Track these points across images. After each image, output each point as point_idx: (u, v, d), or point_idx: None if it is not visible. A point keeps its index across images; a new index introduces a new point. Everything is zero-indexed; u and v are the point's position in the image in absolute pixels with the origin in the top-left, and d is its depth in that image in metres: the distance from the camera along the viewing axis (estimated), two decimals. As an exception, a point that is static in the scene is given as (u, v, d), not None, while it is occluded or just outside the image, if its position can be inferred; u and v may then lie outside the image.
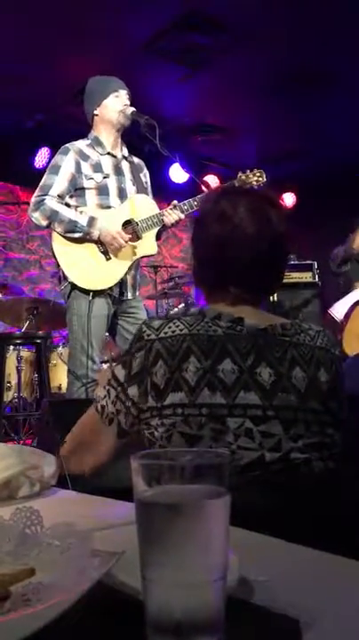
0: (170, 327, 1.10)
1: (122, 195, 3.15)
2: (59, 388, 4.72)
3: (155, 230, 3.20)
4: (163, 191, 7.23)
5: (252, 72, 5.13)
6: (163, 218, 3.16)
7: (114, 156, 3.20)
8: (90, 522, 0.85)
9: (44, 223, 2.99)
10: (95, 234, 3.01)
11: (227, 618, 0.47)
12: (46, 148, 5.89)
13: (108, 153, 3.18)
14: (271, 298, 5.65)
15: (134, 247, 3.11)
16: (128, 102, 3.20)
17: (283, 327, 1.12)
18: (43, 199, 2.98)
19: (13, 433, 4.37)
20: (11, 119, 5.58)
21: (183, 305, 5.23)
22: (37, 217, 2.98)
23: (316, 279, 5.69)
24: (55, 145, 5.72)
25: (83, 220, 2.99)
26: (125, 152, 3.26)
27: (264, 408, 1.05)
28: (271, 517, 0.86)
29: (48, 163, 5.81)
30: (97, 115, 3.21)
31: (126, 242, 3.04)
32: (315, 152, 6.64)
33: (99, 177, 3.10)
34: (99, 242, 3.03)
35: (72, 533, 0.62)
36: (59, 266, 3.06)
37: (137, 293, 3.28)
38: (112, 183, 3.13)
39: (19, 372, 4.47)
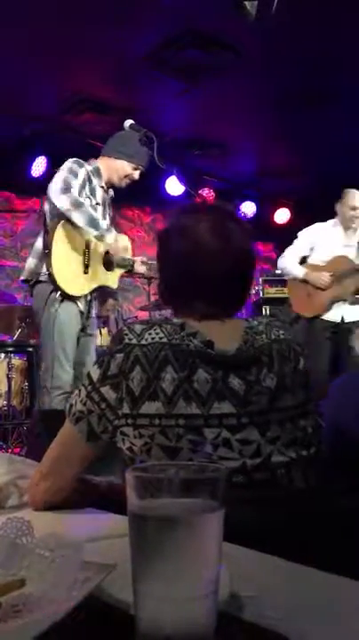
0: (150, 333, 1.10)
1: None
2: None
3: (122, 270, 3.49)
4: (159, 203, 7.27)
5: (250, 89, 5.18)
6: (134, 265, 3.48)
7: (105, 191, 3.40)
8: (81, 533, 0.84)
9: (68, 207, 3.05)
10: (109, 238, 3.22)
11: (218, 633, 0.47)
12: (43, 157, 5.90)
13: (102, 187, 3.36)
14: (264, 312, 5.68)
15: (105, 275, 3.34)
16: (135, 179, 3.42)
17: (245, 342, 1.12)
18: (71, 189, 3.07)
19: (2, 441, 4.34)
20: (8, 128, 5.58)
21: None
22: (64, 199, 3.04)
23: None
24: (52, 154, 5.80)
25: (103, 223, 3.19)
26: (112, 192, 3.47)
27: (238, 416, 1.05)
28: (258, 533, 0.86)
29: (45, 172, 5.90)
30: (111, 158, 3.37)
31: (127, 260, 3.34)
32: (312, 169, 6.68)
33: (93, 201, 3.28)
34: (87, 252, 3.19)
35: (63, 545, 0.61)
36: (48, 267, 3.11)
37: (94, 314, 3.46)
38: (99, 213, 3.31)
39: (9, 380, 4.45)
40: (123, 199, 7.15)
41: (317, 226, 4.60)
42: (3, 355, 4.55)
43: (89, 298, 3.30)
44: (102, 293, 3.69)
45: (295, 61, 4.76)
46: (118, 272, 3.43)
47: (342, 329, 4.23)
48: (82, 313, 3.24)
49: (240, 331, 1.15)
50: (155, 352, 1.07)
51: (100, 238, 3.21)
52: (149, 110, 5.10)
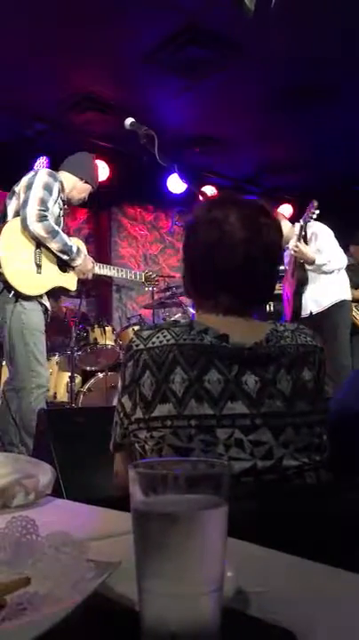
0: (158, 337, 1.09)
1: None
2: (55, 396, 4.70)
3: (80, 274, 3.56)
4: (161, 201, 7.27)
5: (251, 85, 5.17)
6: (89, 275, 3.58)
7: (65, 204, 3.55)
8: (86, 531, 0.84)
9: (44, 235, 3.20)
10: (78, 262, 3.39)
11: (223, 629, 0.47)
12: (44, 157, 5.90)
13: (63, 200, 3.50)
14: (268, 308, 5.67)
15: (61, 276, 3.41)
16: (84, 201, 3.67)
17: (267, 340, 1.11)
18: (46, 215, 3.22)
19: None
20: (9, 128, 5.59)
21: (179, 314, 5.25)
22: (39, 228, 3.18)
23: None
24: (53, 154, 5.79)
25: (74, 248, 3.36)
26: (66, 206, 3.60)
27: (252, 417, 1.04)
28: (265, 528, 0.86)
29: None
30: (78, 180, 3.55)
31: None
32: (313, 165, 6.67)
33: (61, 213, 3.45)
34: (39, 252, 3.27)
35: (68, 543, 0.61)
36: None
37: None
38: (61, 222, 3.46)
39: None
40: (125, 197, 7.20)
41: None
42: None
43: (47, 302, 3.38)
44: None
45: (295, 57, 4.75)
46: (73, 274, 3.51)
47: None
48: (47, 310, 3.33)
49: (265, 330, 1.13)
50: (163, 355, 1.07)
51: (70, 262, 3.36)
52: (150, 108, 5.10)
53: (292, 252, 4.23)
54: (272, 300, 5.80)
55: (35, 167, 5.98)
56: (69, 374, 4.61)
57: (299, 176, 6.96)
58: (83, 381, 4.91)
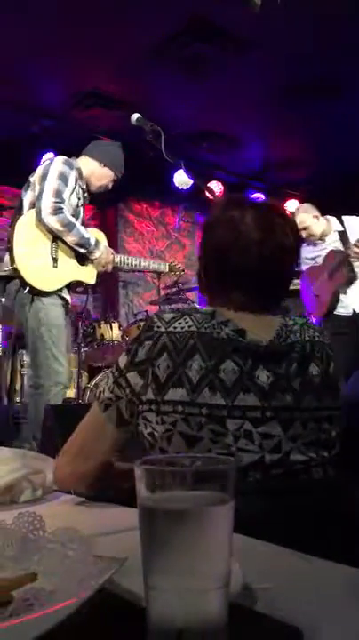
0: (180, 323, 1.10)
1: (83, 226, 3.35)
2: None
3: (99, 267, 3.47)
4: (168, 197, 7.26)
5: (258, 81, 5.14)
6: (110, 267, 3.47)
7: (85, 192, 3.42)
8: (92, 527, 0.85)
9: (60, 229, 3.09)
10: (96, 254, 3.28)
11: (230, 625, 0.46)
12: (52, 154, 5.89)
13: (83, 188, 3.39)
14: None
15: (79, 269, 3.31)
16: (107, 189, 3.52)
17: (278, 336, 1.12)
18: (62, 207, 3.09)
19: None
20: (17, 124, 5.60)
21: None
22: (54, 222, 3.07)
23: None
24: (60, 150, 5.78)
25: (92, 240, 3.24)
26: (87, 195, 3.48)
27: (263, 409, 1.05)
28: (272, 524, 0.85)
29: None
30: (98, 164, 3.41)
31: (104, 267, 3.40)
32: (320, 160, 6.64)
33: (79, 202, 3.33)
34: (55, 246, 3.17)
35: (74, 539, 0.61)
36: (12, 262, 3.13)
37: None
38: (80, 212, 3.35)
39: (22, 377, 4.48)
40: (132, 193, 7.19)
41: None
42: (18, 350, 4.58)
43: (68, 297, 3.30)
44: None
45: (302, 53, 4.72)
46: (92, 267, 3.41)
47: None
48: (67, 304, 3.24)
49: (275, 326, 1.14)
50: (184, 341, 1.07)
51: (89, 255, 3.25)
52: (156, 104, 5.08)
53: (353, 252, 4.12)
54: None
55: (41, 163, 5.98)
56: (76, 370, 4.62)
57: (305, 172, 6.94)
58: (90, 377, 4.92)
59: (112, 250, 3.48)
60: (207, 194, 3.92)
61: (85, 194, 3.41)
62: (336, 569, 0.68)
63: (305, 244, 4.46)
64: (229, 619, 0.46)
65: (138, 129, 3.25)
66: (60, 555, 0.60)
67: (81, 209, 3.34)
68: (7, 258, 3.18)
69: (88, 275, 3.37)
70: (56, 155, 5.99)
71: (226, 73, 4.96)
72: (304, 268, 4.49)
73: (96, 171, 3.40)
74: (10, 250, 3.11)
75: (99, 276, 3.47)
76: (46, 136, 5.73)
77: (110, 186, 3.49)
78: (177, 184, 6.54)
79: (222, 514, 0.47)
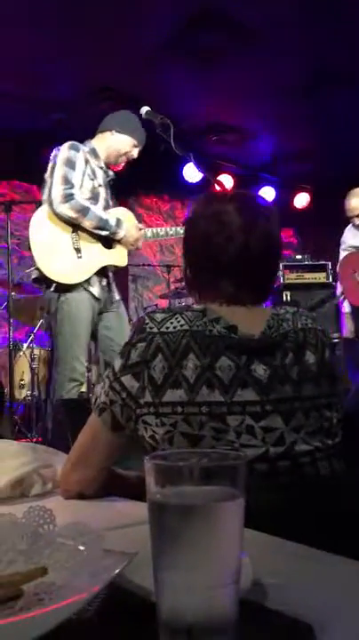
0: (172, 322, 1.10)
1: (106, 207, 3.23)
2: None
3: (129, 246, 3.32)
4: (177, 190, 7.24)
5: (269, 72, 5.11)
6: (139, 243, 3.32)
7: (105, 172, 3.28)
8: (102, 521, 0.85)
9: (74, 216, 2.99)
10: (120, 234, 3.13)
11: (240, 621, 0.46)
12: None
13: (101, 167, 3.25)
14: (284, 297, 5.64)
15: (106, 254, 3.19)
16: (133, 157, 3.33)
17: (269, 326, 1.12)
18: (72, 193, 2.98)
19: (26, 431, 4.39)
20: (28, 118, 5.60)
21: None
22: (66, 209, 2.97)
23: (331, 280, 5.64)
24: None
25: (112, 220, 3.10)
26: (112, 174, 3.34)
27: (262, 404, 1.05)
28: (281, 518, 0.85)
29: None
30: (110, 134, 3.26)
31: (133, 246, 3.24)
32: (330, 152, 6.59)
33: (95, 183, 3.18)
34: (76, 236, 3.06)
35: (84, 533, 0.61)
36: (34, 261, 3.05)
37: (118, 297, 3.36)
38: (102, 194, 3.21)
39: (32, 370, 4.50)
40: (141, 187, 7.18)
41: None
42: (25, 345, 4.60)
43: (104, 282, 3.19)
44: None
45: (312, 44, 4.68)
46: (122, 248, 3.26)
47: None
48: (97, 299, 3.13)
49: (266, 317, 1.14)
50: (176, 340, 1.07)
51: (112, 236, 3.12)
52: (166, 96, 5.06)
53: None
54: (287, 290, 5.79)
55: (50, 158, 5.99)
56: (86, 364, 4.64)
57: (316, 164, 6.89)
58: (100, 372, 4.94)
59: (140, 225, 3.33)
60: (217, 187, 3.90)
61: (107, 172, 3.27)
62: (346, 564, 0.68)
63: (352, 231, 4.43)
64: (239, 614, 0.46)
65: (147, 122, 3.24)
66: (71, 549, 0.60)
67: (100, 189, 3.19)
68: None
69: (118, 257, 3.23)
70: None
71: (236, 65, 4.92)
72: (343, 254, 4.45)
73: (110, 141, 3.25)
74: (29, 250, 3.04)
75: None
76: (58, 131, 5.72)
77: (135, 153, 3.31)
78: (186, 177, 6.52)
79: (232, 510, 0.47)
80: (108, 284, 3.24)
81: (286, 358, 1.09)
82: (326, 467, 1.08)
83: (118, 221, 3.13)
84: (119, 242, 3.20)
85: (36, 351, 4.61)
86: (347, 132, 6.08)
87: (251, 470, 1.03)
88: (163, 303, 5.89)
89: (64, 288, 3.01)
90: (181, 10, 4.23)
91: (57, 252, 3.01)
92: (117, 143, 3.26)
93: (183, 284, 5.35)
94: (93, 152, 3.23)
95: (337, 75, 5.10)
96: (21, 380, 4.59)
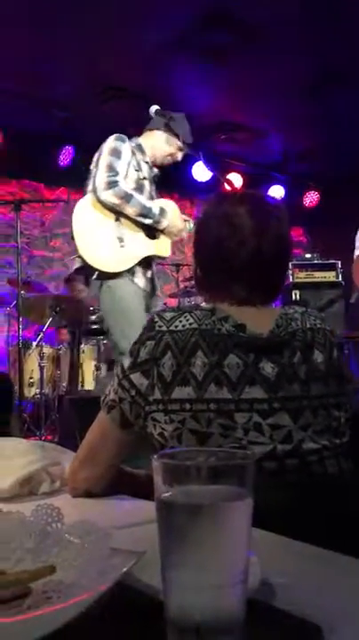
0: (181, 321, 1.11)
1: (150, 200, 3.20)
2: (82, 384, 4.75)
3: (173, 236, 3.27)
4: (187, 189, 7.23)
5: (278, 70, 5.09)
6: (184, 234, 3.26)
7: (150, 167, 3.26)
8: (110, 520, 0.85)
9: (117, 202, 2.96)
10: (164, 223, 3.10)
11: (248, 621, 0.46)
12: (71, 147, 5.92)
13: (146, 162, 3.23)
14: (294, 296, 5.62)
15: (149, 244, 3.15)
16: (177, 160, 3.33)
17: (277, 325, 1.12)
18: (116, 180, 2.96)
19: (35, 429, 4.41)
20: (36, 117, 5.62)
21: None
22: (110, 196, 2.95)
23: (340, 279, 5.62)
24: (79, 144, 5.80)
25: (155, 209, 3.08)
26: (156, 170, 3.32)
27: (270, 401, 1.05)
28: (290, 518, 0.85)
29: (72, 161, 5.89)
30: (158, 133, 3.25)
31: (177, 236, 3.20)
32: (340, 151, 6.57)
33: (140, 175, 3.16)
34: (119, 225, 3.03)
35: (92, 531, 0.61)
36: (77, 250, 3.02)
37: (160, 294, 3.32)
38: (146, 186, 3.19)
39: (41, 368, 4.51)
40: (151, 186, 7.16)
41: None
42: (34, 343, 4.62)
43: (149, 274, 3.17)
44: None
45: (323, 42, 4.66)
46: (165, 239, 3.22)
47: None
48: (144, 291, 3.10)
49: (274, 316, 1.15)
50: (185, 338, 1.08)
51: (155, 225, 3.09)
52: (175, 95, 5.06)
53: None
54: (296, 289, 5.77)
55: (60, 157, 6.00)
56: (95, 363, 4.65)
57: (325, 163, 6.86)
58: (109, 370, 4.95)
59: (184, 216, 3.31)
60: (226, 185, 3.90)
61: (152, 168, 3.25)
62: (354, 564, 0.67)
63: None
64: (247, 614, 0.46)
65: (149, 120, 3.24)
66: (79, 547, 0.60)
67: (145, 182, 3.18)
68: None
69: (161, 248, 3.20)
70: (75, 148, 6.00)
71: (245, 64, 4.91)
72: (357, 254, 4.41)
73: (157, 140, 3.24)
74: (72, 238, 3.00)
75: None
76: (65, 130, 5.74)
77: (179, 156, 3.30)
78: (196, 176, 6.51)
79: (241, 509, 0.47)
80: (152, 277, 3.20)
81: (294, 357, 1.10)
82: (334, 466, 1.08)
83: (162, 210, 3.11)
84: (162, 232, 3.17)
85: (45, 349, 4.63)
86: (356, 130, 6.05)
87: (260, 468, 1.02)
88: (173, 302, 5.89)
89: (107, 276, 2.97)
90: (190, 9, 4.23)
91: (99, 240, 2.99)
92: (164, 143, 3.25)
93: (192, 282, 5.37)
94: (139, 147, 3.21)
95: (345, 74, 5.07)
96: (30, 378, 4.61)
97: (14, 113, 5.45)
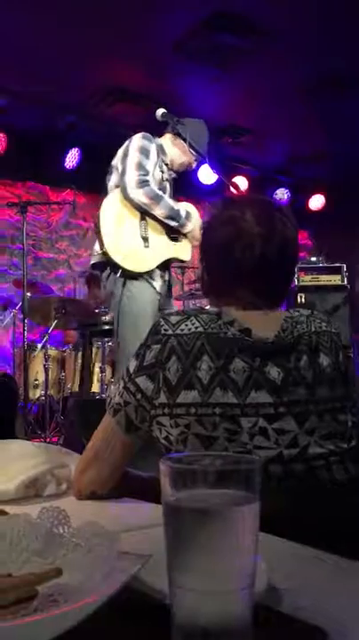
0: (186, 325, 1.11)
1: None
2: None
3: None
4: (192, 192, 7.23)
5: (284, 73, 5.09)
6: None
7: (169, 169, 3.25)
8: (117, 523, 0.85)
9: (147, 202, 2.95)
10: (189, 227, 3.09)
11: (255, 626, 0.46)
12: (77, 149, 5.93)
13: (166, 164, 3.22)
14: (299, 300, 5.61)
15: (172, 246, 3.14)
16: (191, 168, 3.35)
17: (283, 329, 1.12)
18: (147, 180, 2.95)
19: (40, 431, 4.41)
20: (42, 120, 5.63)
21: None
22: (141, 195, 2.92)
23: (346, 282, 5.60)
24: (85, 146, 5.82)
25: (182, 212, 3.07)
26: (173, 174, 3.31)
27: (275, 405, 1.05)
28: (297, 522, 0.85)
29: (78, 163, 5.91)
30: (180, 136, 3.21)
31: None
32: (346, 154, 6.56)
33: (163, 176, 3.16)
34: (144, 225, 3.01)
35: (99, 534, 0.61)
36: (101, 245, 2.98)
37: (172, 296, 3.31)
38: (168, 188, 3.19)
39: (46, 370, 4.52)
40: (156, 189, 7.17)
41: None
42: (39, 345, 4.63)
43: (166, 276, 3.15)
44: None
45: (328, 46, 4.66)
46: (186, 242, 3.21)
47: None
48: (159, 294, 3.08)
49: (280, 320, 1.14)
50: (191, 342, 1.08)
51: (180, 228, 3.08)
52: (181, 98, 5.06)
53: None
54: (302, 292, 5.76)
55: (67, 160, 6.02)
56: (100, 365, 4.65)
57: (331, 166, 6.85)
58: (113, 372, 4.95)
59: None
60: (232, 189, 3.89)
61: (171, 171, 3.24)
62: (362, 570, 0.67)
63: None
64: (254, 619, 0.46)
65: (163, 124, 3.25)
66: (85, 550, 0.60)
67: (166, 184, 3.18)
68: (97, 244, 3.03)
69: (182, 251, 3.19)
70: (81, 151, 6.00)
71: (252, 65, 4.91)
72: None
73: (175, 145, 3.22)
74: (98, 233, 2.97)
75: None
76: (72, 132, 5.76)
77: (194, 164, 3.32)
78: (201, 179, 6.51)
79: (247, 514, 0.46)
80: (169, 279, 3.19)
81: (300, 361, 1.09)
82: (341, 470, 1.08)
83: (188, 214, 3.11)
84: (185, 235, 3.16)
85: (51, 351, 4.63)
86: (362, 133, 6.05)
87: (266, 472, 1.02)
88: (178, 304, 5.89)
89: (130, 275, 2.95)
90: (196, 11, 4.23)
91: (125, 238, 2.97)
92: (181, 149, 3.23)
93: (197, 285, 5.36)
94: (162, 148, 3.19)
95: (352, 77, 5.07)
96: (35, 380, 4.61)
97: (20, 115, 5.47)
